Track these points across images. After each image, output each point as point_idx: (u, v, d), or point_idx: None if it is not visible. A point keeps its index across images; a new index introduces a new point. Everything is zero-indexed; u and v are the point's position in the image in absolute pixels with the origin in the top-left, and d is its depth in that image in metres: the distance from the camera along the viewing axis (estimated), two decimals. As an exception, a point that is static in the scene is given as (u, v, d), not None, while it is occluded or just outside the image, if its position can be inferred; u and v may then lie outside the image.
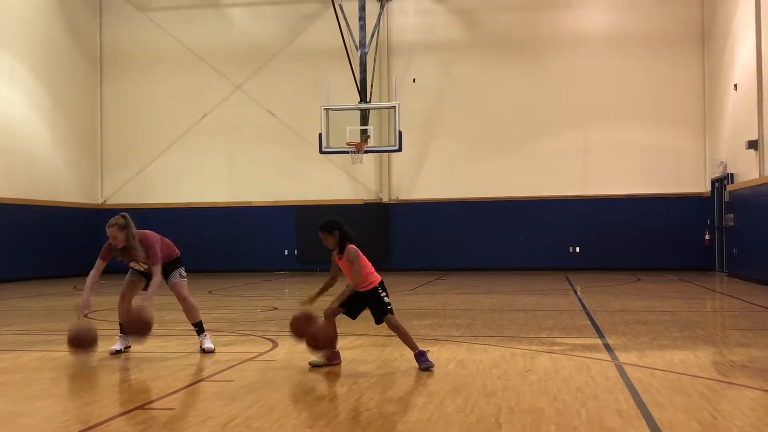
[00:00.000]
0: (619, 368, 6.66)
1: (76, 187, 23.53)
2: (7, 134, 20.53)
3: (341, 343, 7.17)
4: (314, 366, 6.85)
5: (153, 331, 9.17)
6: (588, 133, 22.59)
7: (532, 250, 22.50)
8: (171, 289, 7.86)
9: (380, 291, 6.82)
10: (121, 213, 7.66)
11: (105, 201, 24.45)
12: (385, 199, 23.40)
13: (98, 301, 13.68)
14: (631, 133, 22.24)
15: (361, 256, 6.83)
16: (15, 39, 20.93)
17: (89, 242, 22.47)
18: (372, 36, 20.36)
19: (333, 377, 6.52)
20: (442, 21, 23.46)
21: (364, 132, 19.25)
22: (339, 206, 22.88)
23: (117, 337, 7.91)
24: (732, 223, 19.07)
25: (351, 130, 19.17)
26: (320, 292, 6.99)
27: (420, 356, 6.72)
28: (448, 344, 8.14)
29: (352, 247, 6.81)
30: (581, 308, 11.87)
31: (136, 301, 7.74)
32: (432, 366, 6.65)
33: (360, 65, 19.89)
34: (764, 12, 16.88)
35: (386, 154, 22.34)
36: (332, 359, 6.93)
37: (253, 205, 23.82)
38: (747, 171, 18.08)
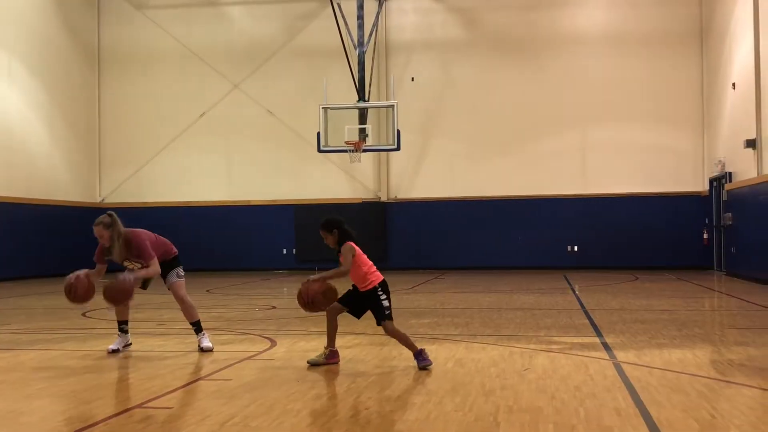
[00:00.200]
0: (618, 367, 6.66)
1: (74, 185, 23.52)
2: (4, 133, 20.51)
3: (340, 342, 7.17)
4: (312, 365, 6.86)
5: (152, 330, 9.19)
6: (586, 132, 22.61)
7: (530, 249, 22.51)
8: (169, 289, 7.86)
9: (380, 292, 6.78)
10: (108, 212, 7.72)
11: (103, 200, 24.44)
12: (384, 198, 23.40)
13: (98, 300, 13.69)
14: (629, 133, 22.25)
15: (360, 254, 6.82)
16: (12, 37, 20.91)
17: (87, 241, 22.38)
18: (370, 35, 20.36)
19: (331, 376, 6.52)
20: (440, 20, 23.46)
21: (362, 131, 19.25)
22: (337, 205, 22.88)
23: (117, 336, 7.91)
24: (730, 222, 19.08)
25: (349, 129, 19.17)
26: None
27: (419, 355, 6.73)
28: (447, 343, 8.15)
29: (348, 243, 6.81)
30: (579, 307, 11.87)
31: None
32: (430, 364, 6.65)
33: (358, 64, 19.89)
34: (762, 11, 16.90)
35: (385, 153, 22.34)
36: (331, 358, 6.93)
37: (251, 203, 23.81)
38: (745, 170, 18.10)
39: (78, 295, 7.39)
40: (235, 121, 23.95)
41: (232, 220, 23.73)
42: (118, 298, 7.37)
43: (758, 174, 17.08)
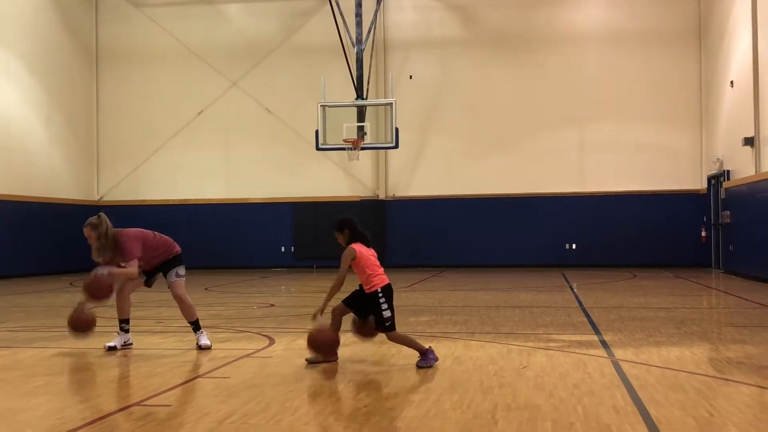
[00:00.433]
0: (616, 365, 6.67)
1: (73, 183, 23.49)
2: (2, 131, 20.48)
3: (339, 340, 7.16)
4: (311, 362, 6.86)
5: (151, 327, 9.18)
6: (585, 130, 22.61)
7: (529, 247, 22.51)
8: (168, 288, 7.85)
9: (380, 297, 6.72)
10: (99, 213, 7.78)
11: (101, 197, 24.42)
12: (382, 196, 23.40)
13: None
14: (627, 130, 22.26)
15: (363, 257, 6.75)
16: (10, 35, 20.87)
17: (85, 239, 22.48)
18: (369, 32, 20.34)
19: (330, 374, 6.52)
20: (438, 17, 23.45)
21: (360, 129, 19.24)
22: (336, 203, 22.90)
23: (116, 334, 7.91)
24: (728, 220, 19.10)
25: (348, 127, 19.15)
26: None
27: (424, 354, 6.70)
28: (445, 341, 8.15)
29: (351, 246, 6.78)
30: (578, 305, 11.88)
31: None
32: (430, 367, 6.60)
33: (357, 62, 19.88)
34: (760, 9, 16.91)
35: (383, 150, 22.32)
36: (329, 356, 6.93)
37: (249, 201, 23.80)
38: (743, 168, 18.11)
39: (95, 295, 7.43)
40: (233, 119, 23.93)
41: (230, 218, 23.71)
42: (93, 292, 7.38)
43: (756, 172, 17.10)
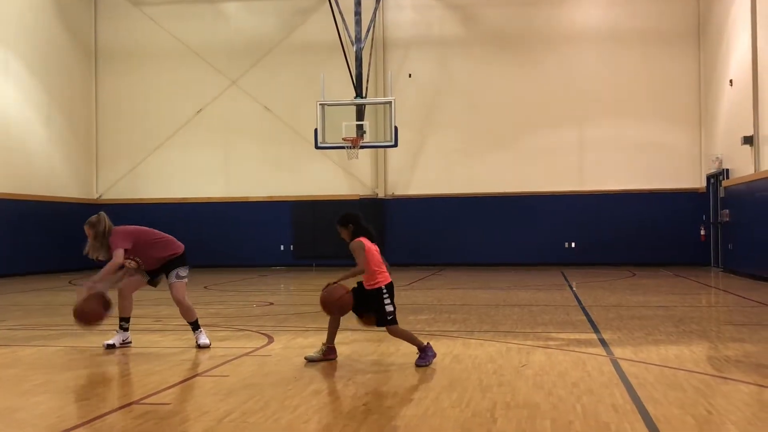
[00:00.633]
0: (615, 363, 6.67)
1: (72, 181, 23.48)
2: (1, 129, 20.47)
3: (337, 338, 7.16)
4: (310, 361, 6.86)
5: (150, 326, 9.18)
6: (584, 128, 22.61)
7: (528, 245, 22.51)
8: (169, 289, 7.83)
9: (385, 294, 6.74)
10: (99, 212, 7.82)
11: (100, 196, 24.41)
12: (381, 195, 23.39)
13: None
14: (626, 129, 22.26)
15: (370, 251, 6.74)
16: (9, 33, 20.86)
17: (84, 237, 22.48)
18: (368, 31, 20.32)
19: (329, 372, 6.53)
20: (438, 16, 23.44)
21: (359, 127, 19.22)
22: (335, 202, 22.88)
23: (115, 332, 7.90)
24: (727, 219, 19.11)
25: (347, 126, 19.14)
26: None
27: (423, 351, 6.72)
28: (444, 339, 8.15)
29: (357, 239, 6.76)
30: (576, 303, 11.89)
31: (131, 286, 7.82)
32: (429, 365, 6.61)
33: (356, 60, 19.87)
34: (760, 8, 16.91)
35: (382, 149, 22.32)
36: (328, 354, 6.93)
37: (248, 200, 23.79)
38: (742, 167, 18.12)
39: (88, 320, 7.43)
40: (232, 118, 23.92)
41: (229, 217, 23.71)
42: (83, 319, 7.40)
43: (755, 171, 17.10)
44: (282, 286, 17.59)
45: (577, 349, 7.45)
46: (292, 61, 23.62)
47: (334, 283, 6.74)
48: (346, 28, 20.10)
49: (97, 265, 7.71)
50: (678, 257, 21.73)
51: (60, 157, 22.98)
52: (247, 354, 7.37)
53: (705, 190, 21.56)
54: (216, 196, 23.96)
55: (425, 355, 6.70)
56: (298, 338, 8.33)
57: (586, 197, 22.45)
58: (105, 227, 7.60)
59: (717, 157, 20.08)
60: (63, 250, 21.82)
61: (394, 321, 6.76)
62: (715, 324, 9.77)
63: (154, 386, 5.97)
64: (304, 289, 16.38)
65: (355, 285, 6.92)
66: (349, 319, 7.60)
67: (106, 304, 7.42)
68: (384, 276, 6.78)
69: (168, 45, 24.12)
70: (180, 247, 7.91)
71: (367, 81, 20.08)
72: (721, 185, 19.70)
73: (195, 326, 7.83)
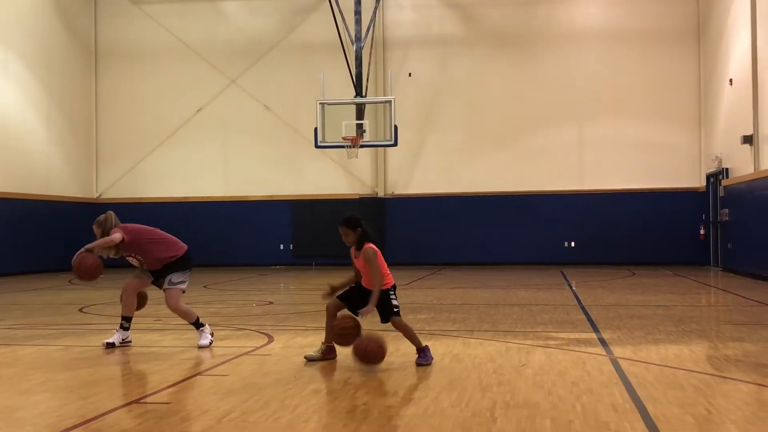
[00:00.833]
0: (614, 362, 6.68)
1: (72, 181, 23.48)
2: (1, 128, 20.46)
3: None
4: (310, 360, 6.86)
5: (150, 325, 9.18)
6: (584, 128, 22.61)
7: (527, 245, 22.52)
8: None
9: (391, 293, 6.78)
10: (108, 211, 7.89)
11: (100, 195, 24.41)
12: (381, 194, 23.39)
13: (95, 296, 13.70)
14: (626, 128, 22.27)
15: (380, 256, 6.75)
16: (9, 32, 20.85)
17: (84, 236, 22.42)
18: (368, 30, 20.32)
19: (329, 371, 6.53)
20: (438, 15, 23.44)
21: (359, 126, 19.22)
22: (335, 201, 22.90)
23: (115, 331, 7.90)
24: (727, 218, 19.11)
25: (347, 125, 19.13)
26: (342, 287, 6.91)
27: (422, 351, 6.74)
28: (444, 338, 8.15)
29: (370, 246, 6.71)
30: (576, 303, 11.89)
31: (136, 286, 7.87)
32: (429, 364, 6.63)
33: (356, 59, 19.86)
34: (759, 7, 16.91)
35: (382, 148, 22.32)
36: (328, 353, 6.93)
37: (248, 199, 23.79)
38: (742, 166, 18.12)
39: (84, 272, 7.48)
40: (232, 117, 23.92)
41: (229, 216, 23.70)
42: (80, 273, 7.47)
43: (755, 170, 17.11)
44: (282, 285, 17.59)
45: (576, 349, 7.46)
46: (292, 60, 23.62)
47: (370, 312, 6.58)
48: (346, 28, 20.09)
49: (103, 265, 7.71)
50: (677, 256, 21.74)
51: (60, 156, 22.97)
52: (246, 353, 7.37)
53: (705, 190, 21.56)
54: (216, 195, 23.95)
55: (425, 355, 6.71)
56: (298, 337, 8.33)
57: (586, 196, 22.45)
58: (112, 225, 7.64)
59: (717, 157, 20.08)
60: (63, 249, 21.75)
61: (398, 314, 6.80)
62: (715, 323, 9.78)
63: (154, 385, 5.98)
64: (304, 289, 16.39)
65: (353, 284, 6.93)
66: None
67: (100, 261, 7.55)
68: (389, 279, 6.82)
69: (168, 44, 24.11)
70: (181, 249, 7.89)
71: (367, 80, 20.07)
72: (720, 184, 19.71)
73: (196, 326, 7.82)
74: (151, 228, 7.90)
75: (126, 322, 7.82)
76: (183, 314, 7.80)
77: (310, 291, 15.01)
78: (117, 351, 7.61)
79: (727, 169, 19.38)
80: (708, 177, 21.30)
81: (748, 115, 17.37)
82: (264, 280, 18.31)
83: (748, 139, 17.41)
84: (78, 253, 7.51)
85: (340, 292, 6.93)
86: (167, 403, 5.40)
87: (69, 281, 17.50)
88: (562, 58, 22.70)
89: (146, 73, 24.36)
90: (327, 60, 21.89)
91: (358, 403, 5.30)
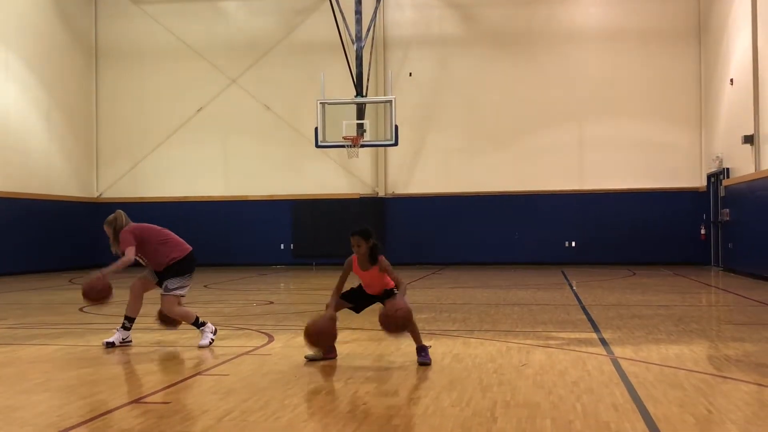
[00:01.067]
0: (615, 362, 6.67)
1: (72, 180, 23.48)
2: (1, 128, 20.47)
3: (337, 338, 7.17)
4: (310, 360, 6.86)
5: (150, 325, 9.17)
6: (584, 127, 22.61)
7: (528, 244, 22.52)
8: None
9: (395, 291, 6.85)
10: (117, 210, 7.89)
11: (101, 194, 24.40)
12: (381, 194, 23.39)
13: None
14: (627, 128, 22.26)
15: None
16: (9, 31, 20.85)
17: (85, 236, 22.50)
18: (368, 30, 20.33)
19: (329, 371, 6.52)
20: (438, 15, 23.44)
21: (360, 126, 19.22)
22: (335, 200, 22.92)
23: (115, 330, 7.90)
24: (727, 218, 19.10)
25: (347, 125, 19.13)
26: (338, 308, 6.92)
27: (421, 350, 6.74)
28: (444, 338, 8.15)
29: (382, 258, 6.79)
30: (577, 302, 11.89)
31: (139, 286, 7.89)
32: (429, 363, 6.65)
33: (356, 59, 19.87)
34: (760, 7, 16.90)
35: (382, 148, 22.32)
36: (328, 353, 6.93)
37: (248, 199, 23.79)
38: (743, 166, 18.12)
39: (94, 295, 7.54)
40: (233, 117, 23.92)
41: (229, 215, 23.70)
42: (90, 294, 7.52)
43: (756, 170, 17.10)
44: (282, 285, 17.59)
45: (577, 349, 7.45)
46: (292, 59, 23.62)
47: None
48: (347, 27, 20.09)
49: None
50: (678, 256, 21.74)
51: (60, 155, 22.97)
52: (247, 353, 7.37)
53: (705, 189, 21.55)
54: (216, 195, 23.95)
55: (426, 354, 6.71)
56: (298, 337, 8.30)
57: (586, 196, 22.45)
58: (122, 224, 7.66)
59: (717, 156, 20.08)
60: (63, 248, 21.87)
61: None
62: (716, 323, 9.77)
63: (154, 385, 5.97)
64: (304, 288, 16.39)
65: (354, 287, 6.94)
66: (350, 319, 7.62)
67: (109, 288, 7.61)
68: (392, 283, 6.91)
69: (168, 43, 24.11)
70: (183, 251, 7.88)
71: (368, 80, 20.08)
72: (721, 184, 19.70)
73: (197, 325, 7.81)
74: (159, 228, 7.90)
75: (128, 322, 7.81)
76: (181, 317, 7.81)
77: (310, 291, 15.01)
78: (117, 350, 7.61)
79: (727, 168, 19.37)
80: (709, 177, 21.29)
81: (749, 115, 17.37)
82: (264, 280, 18.31)
83: (748, 139, 17.41)
84: (91, 277, 7.54)
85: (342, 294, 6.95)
86: (167, 403, 5.40)
87: (69, 281, 17.50)
88: (563, 57, 22.70)
89: (146, 73, 24.37)
90: (327, 60, 21.89)
91: (359, 403, 5.30)
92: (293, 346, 7.66)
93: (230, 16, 24.27)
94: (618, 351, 7.27)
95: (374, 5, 20.60)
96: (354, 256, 6.82)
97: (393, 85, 20.80)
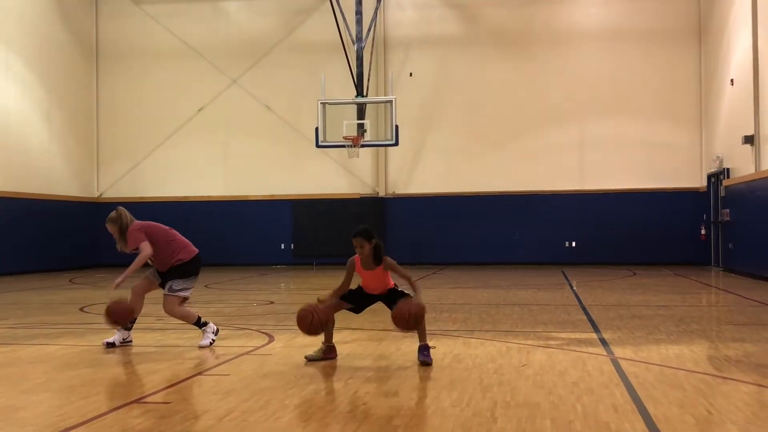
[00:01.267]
0: (615, 363, 6.67)
1: (72, 180, 23.48)
2: (2, 128, 20.48)
3: (337, 338, 7.18)
4: (310, 360, 6.86)
5: (150, 324, 9.18)
6: (584, 128, 22.61)
7: (528, 244, 22.53)
8: None
9: (398, 288, 6.90)
10: (117, 207, 7.82)
11: (101, 194, 24.40)
12: (382, 194, 23.39)
13: (96, 296, 13.70)
14: (627, 128, 22.26)
15: None
16: (10, 31, 20.86)
17: (85, 235, 22.51)
18: (369, 30, 20.33)
19: (329, 371, 6.53)
20: (438, 15, 23.44)
21: (360, 126, 19.23)
22: (335, 200, 22.92)
23: (115, 330, 7.90)
24: (728, 218, 19.10)
25: (348, 125, 19.14)
26: (335, 295, 6.93)
27: (424, 349, 6.75)
28: (445, 338, 8.15)
29: (387, 257, 6.81)
30: (577, 303, 11.89)
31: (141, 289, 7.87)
32: (430, 362, 6.65)
33: (357, 59, 19.87)
34: (761, 7, 16.90)
35: (383, 148, 22.33)
36: (328, 353, 6.94)
37: (248, 199, 23.79)
38: (743, 166, 18.12)
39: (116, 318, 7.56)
40: (233, 117, 23.93)
41: (229, 215, 23.71)
42: (114, 317, 7.54)
43: (756, 170, 17.10)
44: (282, 284, 17.59)
45: (577, 349, 7.45)
46: (292, 59, 23.62)
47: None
48: (347, 27, 20.10)
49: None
50: (678, 256, 21.74)
51: (60, 155, 22.97)
52: (247, 353, 7.37)
53: (705, 190, 21.55)
54: (216, 195, 23.96)
55: (428, 353, 6.71)
56: (299, 337, 8.31)
57: (586, 196, 22.45)
58: (127, 221, 7.64)
59: (717, 157, 20.08)
60: (63, 248, 21.86)
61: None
62: (716, 323, 9.78)
63: (155, 385, 5.98)
64: (305, 288, 16.39)
65: (353, 288, 6.94)
66: (350, 319, 7.61)
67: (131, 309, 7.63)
68: (392, 282, 6.96)
69: (169, 44, 24.12)
70: (190, 252, 7.86)
71: (368, 80, 20.08)
72: (721, 184, 19.70)
73: (198, 325, 7.82)
74: (166, 228, 7.90)
75: (129, 323, 7.81)
76: (181, 318, 7.81)
77: (311, 290, 15.01)
78: (117, 350, 7.61)
79: (728, 169, 19.37)
80: (709, 177, 21.29)
81: (749, 115, 17.37)
82: (264, 280, 18.32)
83: (749, 139, 17.40)
84: (112, 302, 7.55)
85: (338, 296, 6.94)
86: (168, 403, 5.40)
87: (70, 281, 17.51)
88: (563, 57, 22.70)
89: (147, 73, 24.37)
90: (328, 60, 21.90)
91: (359, 403, 5.30)
92: (294, 347, 7.67)
93: (231, 17, 24.27)
94: (618, 351, 7.27)
95: (375, 5, 20.60)
96: (356, 257, 6.83)
97: (393, 85, 20.81)
